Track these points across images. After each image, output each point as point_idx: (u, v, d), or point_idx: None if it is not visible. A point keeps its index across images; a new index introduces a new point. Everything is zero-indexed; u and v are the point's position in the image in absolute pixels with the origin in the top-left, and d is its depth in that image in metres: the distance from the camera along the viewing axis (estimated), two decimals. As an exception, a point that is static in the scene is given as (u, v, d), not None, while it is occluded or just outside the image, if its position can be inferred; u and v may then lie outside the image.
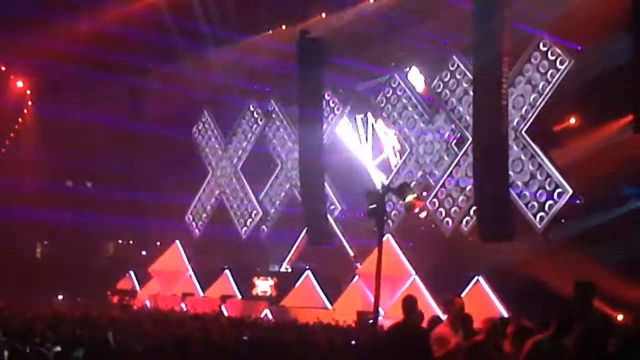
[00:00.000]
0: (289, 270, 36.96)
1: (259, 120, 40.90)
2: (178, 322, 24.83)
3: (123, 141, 40.09)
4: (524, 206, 28.75)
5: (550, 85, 28.64)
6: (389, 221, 31.95)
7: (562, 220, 28.75)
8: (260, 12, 36.48)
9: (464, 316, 11.54)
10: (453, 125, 32.29)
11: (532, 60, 29.05)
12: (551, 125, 29.98)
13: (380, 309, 15.70)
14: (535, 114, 29.10)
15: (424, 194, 32.18)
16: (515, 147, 28.86)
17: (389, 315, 25.32)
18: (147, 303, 37.33)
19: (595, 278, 21.55)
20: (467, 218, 30.93)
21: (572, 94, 28.63)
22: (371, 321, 16.91)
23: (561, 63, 28.34)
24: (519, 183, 28.93)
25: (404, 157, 34.18)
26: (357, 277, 31.95)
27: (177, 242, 40.29)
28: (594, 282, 21.22)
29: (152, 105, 40.89)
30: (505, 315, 25.07)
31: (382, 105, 34.96)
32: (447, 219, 31.76)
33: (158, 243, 43.06)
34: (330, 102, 36.75)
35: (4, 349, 13.56)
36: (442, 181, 32.16)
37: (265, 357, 16.32)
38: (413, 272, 30.28)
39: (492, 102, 25.33)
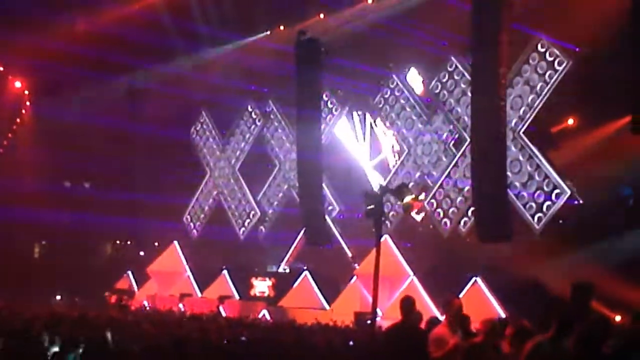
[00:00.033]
0: (287, 270, 36.97)
1: (257, 120, 40.90)
2: (176, 322, 24.84)
3: (121, 142, 40.02)
4: (522, 207, 28.78)
5: (549, 86, 28.69)
6: (387, 222, 31.98)
7: (560, 221, 28.77)
8: (258, 13, 36.53)
9: (462, 317, 11.55)
10: (451, 126, 32.32)
11: (530, 61, 29.09)
12: (549, 126, 30.00)
13: (378, 310, 15.69)
14: (534, 114, 29.15)
15: (422, 196, 32.13)
16: (513, 148, 28.89)
17: (387, 316, 25.31)
18: (145, 303, 37.30)
19: (594, 279, 21.53)
20: (465, 219, 30.97)
21: (570, 95, 28.70)
22: (369, 322, 16.94)
23: (559, 64, 28.39)
24: (517, 184, 28.94)
25: (402, 158, 34.19)
26: (355, 277, 31.97)
27: (175, 242, 40.26)
28: (592, 284, 21.20)
29: (150, 105, 40.82)
30: (503, 315, 25.13)
31: (380, 106, 34.98)
32: (445, 219, 31.79)
33: (156, 243, 43.04)
34: (329, 102, 36.75)
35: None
36: (440, 182, 32.20)
37: (263, 358, 16.31)
38: (411, 272, 30.29)
39: (490, 103, 25.34)
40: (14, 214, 36.44)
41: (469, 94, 28.71)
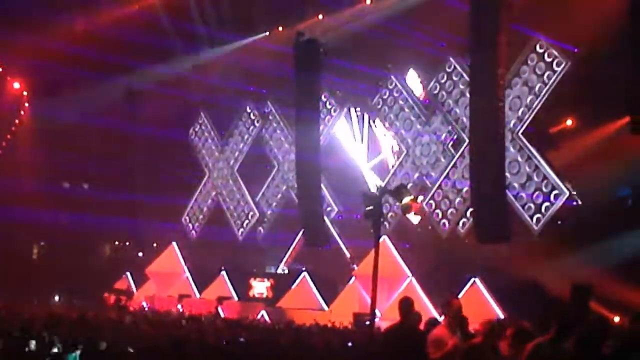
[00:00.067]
0: (286, 271, 36.97)
1: (255, 121, 40.88)
2: (175, 323, 24.86)
3: (120, 142, 40.03)
4: (520, 208, 28.76)
5: (547, 86, 28.68)
6: (385, 223, 31.94)
7: (559, 222, 28.77)
8: (256, 14, 36.58)
9: (462, 318, 11.54)
10: (450, 127, 32.32)
11: (529, 62, 29.08)
12: (548, 126, 30.02)
13: (377, 311, 15.69)
14: (532, 115, 29.15)
15: (420, 198, 32.11)
16: (511, 149, 28.87)
17: (385, 317, 25.29)
18: (144, 304, 37.29)
19: (592, 280, 21.54)
20: (464, 220, 30.96)
21: (569, 95, 28.72)
22: (368, 323, 16.91)
23: (558, 65, 28.38)
24: (516, 185, 28.93)
25: (400, 159, 34.18)
26: (353, 278, 31.97)
27: (174, 243, 40.26)
28: (591, 285, 21.21)
29: (148, 106, 40.82)
30: (502, 316, 25.14)
31: (379, 106, 34.95)
32: (444, 220, 31.77)
33: (155, 244, 43.05)
34: (327, 103, 36.72)
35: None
36: (438, 183, 32.17)
37: (262, 359, 16.32)
38: (410, 273, 30.30)
39: (488, 104, 25.38)
40: (13, 215, 36.42)
41: (468, 94, 28.71)
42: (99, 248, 46.56)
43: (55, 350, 14.95)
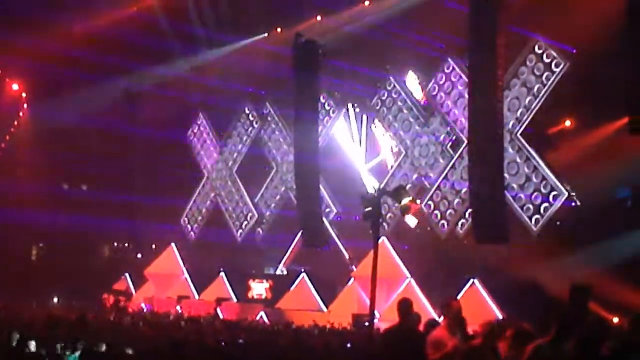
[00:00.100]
0: (285, 272, 36.94)
1: (254, 122, 40.87)
2: (173, 324, 24.87)
3: (118, 144, 40.04)
4: (519, 209, 28.77)
5: (546, 87, 28.69)
6: (384, 224, 31.91)
7: (558, 223, 28.77)
8: (255, 15, 36.56)
9: (461, 319, 11.53)
10: (448, 128, 32.32)
11: (528, 62, 29.09)
12: (546, 127, 30.02)
13: (375, 312, 15.70)
14: (531, 116, 29.15)
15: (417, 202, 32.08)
16: (510, 150, 28.87)
17: (384, 318, 25.27)
18: (143, 306, 37.28)
19: (591, 280, 21.52)
20: (463, 220, 30.96)
21: (568, 96, 28.72)
22: (367, 324, 16.92)
23: (556, 66, 28.39)
24: (514, 185, 28.93)
25: (399, 160, 34.15)
26: (352, 279, 31.97)
27: (173, 244, 40.25)
28: (590, 285, 21.18)
29: (147, 107, 40.86)
30: (500, 317, 25.12)
31: (378, 107, 34.94)
32: (443, 221, 31.76)
33: (153, 246, 43.02)
34: (326, 104, 36.68)
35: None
36: (437, 184, 32.17)
37: (261, 360, 16.33)
38: (408, 274, 30.29)
39: (487, 105, 25.40)
40: (12, 216, 36.43)
41: (466, 95, 28.70)
42: (98, 249, 46.57)
43: (54, 351, 14.94)
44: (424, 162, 33.16)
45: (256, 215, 39.98)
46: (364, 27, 33.18)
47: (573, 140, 28.66)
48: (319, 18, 35.40)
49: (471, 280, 27.92)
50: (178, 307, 35.52)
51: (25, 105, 43.23)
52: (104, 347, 15.26)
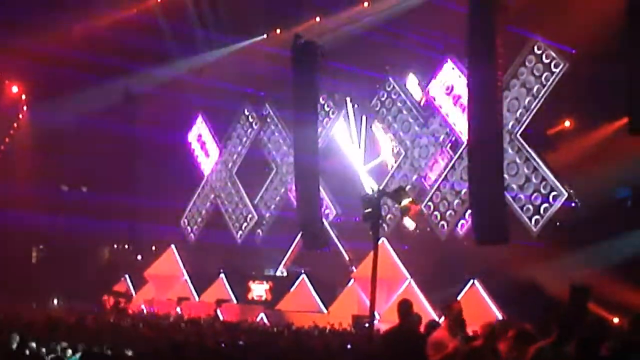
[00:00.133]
0: (284, 274, 36.90)
1: (253, 124, 40.85)
2: (173, 326, 24.85)
3: (118, 146, 39.99)
4: (519, 209, 28.75)
5: (545, 88, 28.66)
6: (384, 225, 31.90)
7: (558, 224, 28.75)
8: (254, 17, 36.54)
9: (462, 320, 11.53)
10: (448, 129, 32.30)
11: (527, 63, 29.07)
12: (546, 128, 30.00)
13: (376, 313, 15.68)
14: (530, 117, 29.12)
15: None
16: (510, 151, 28.85)
17: (384, 319, 25.27)
18: (143, 307, 37.26)
19: (591, 281, 21.52)
20: (463, 221, 30.95)
21: (567, 96, 28.69)
22: (367, 325, 16.90)
23: (556, 66, 28.37)
24: (514, 186, 28.91)
25: (398, 161, 34.13)
26: (352, 281, 31.96)
27: (173, 246, 40.23)
28: (590, 286, 21.17)
29: (146, 109, 40.81)
30: (501, 318, 25.11)
31: (377, 108, 34.92)
32: (442, 222, 31.75)
33: (153, 247, 42.98)
34: (325, 105, 36.66)
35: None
36: (437, 185, 32.15)
37: (261, 361, 16.32)
38: (408, 275, 30.28)
39: (486, 105, 25.36)
40: (11, 219, 36.42)
41: (466, 96, 28.66)
42: (97, 251, 46.54)
43: (53, 355, 14.93)
44: (423, 163, 33.16)
45: (256, 217, 39.94)
46: (364, 28, 33.20)
47: (573, 140, 28.66)
48: (318, 19, 35.39)
49: (471, 281, 27.92)
50: (178, 309, 35.49)
51: (24, 107, 43.24)
52: (103, 349, 15.26)
